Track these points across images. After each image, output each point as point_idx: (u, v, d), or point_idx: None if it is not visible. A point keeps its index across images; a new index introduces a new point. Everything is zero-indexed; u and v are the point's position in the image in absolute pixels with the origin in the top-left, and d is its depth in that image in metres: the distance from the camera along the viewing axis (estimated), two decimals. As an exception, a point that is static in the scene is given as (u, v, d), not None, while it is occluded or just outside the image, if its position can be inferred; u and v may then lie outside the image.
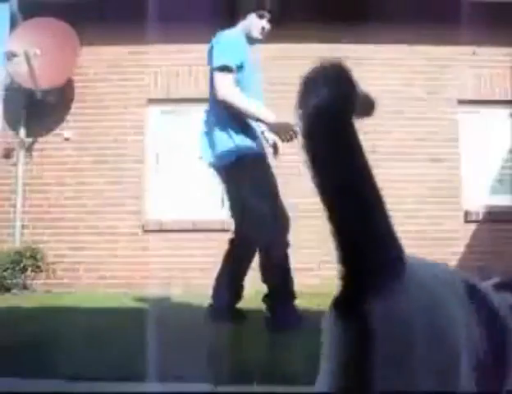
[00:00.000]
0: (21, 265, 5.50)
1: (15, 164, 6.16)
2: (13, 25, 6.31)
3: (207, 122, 3.20)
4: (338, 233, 0.97)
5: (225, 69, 3.00)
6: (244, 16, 3.23)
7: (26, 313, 3.84)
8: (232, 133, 3.06)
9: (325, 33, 6.10)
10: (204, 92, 6.26)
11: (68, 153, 6.21)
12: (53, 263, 5.71)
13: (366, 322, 0.83)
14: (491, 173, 6.32)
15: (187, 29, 5.99)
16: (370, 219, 0.93)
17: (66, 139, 6.23)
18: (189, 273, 5.95)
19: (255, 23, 3.20)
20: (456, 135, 6.32)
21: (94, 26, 5.95)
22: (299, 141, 1.00)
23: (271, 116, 3.10)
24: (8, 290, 5.41)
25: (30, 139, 6.21)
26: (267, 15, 3.20)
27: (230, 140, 3.06)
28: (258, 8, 3.18)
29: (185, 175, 6.28)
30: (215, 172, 3.21)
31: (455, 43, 6.23)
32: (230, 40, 3.10)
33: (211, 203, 6.26)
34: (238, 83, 3.04)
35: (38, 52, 6.05)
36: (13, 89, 6.21)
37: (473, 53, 6.36)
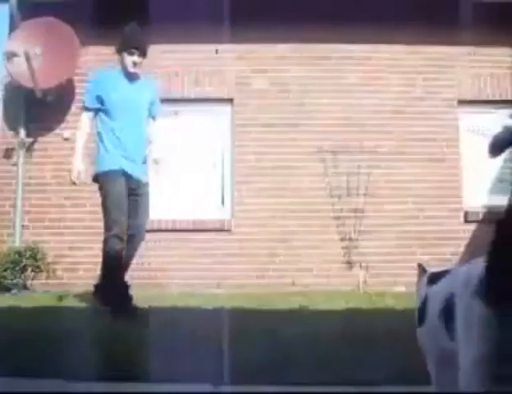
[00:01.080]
0: (21, 265, 5.50)
1: (15, 164, 6.15)
2: (13, 25, 6.31)
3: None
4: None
5: (84, 108, 3.99)
6: (118, 54, 3.97)
7: (26, 313, 3.84)
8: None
9: (325, 33, 6.09)
10: (204, 92, 6.30)
11: (68, 153, 6.19)
12: (53, 263, 5.71)
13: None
14: (491, 173, 6.32)
15: (187, 30, 5.99)
16: None
17: (66, 139, 6.22)
18: (189, 273, 5.95)
19: (127, 59, 3.92)
20: (456, 135, 6.32)
21: (94, 26, 5.95)
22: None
23: (77, 162, 3.97)
24: (8, 290, 5.41)
25: (30, 139, 6.21)
26: (136, 51, 3.92)
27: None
28: (126, 48, 3.92)
29: (184, 175, 6.28)
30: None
31: (455, 43, 6.23)
32: (96, 81, 4.00)
33: (211, 203, 6.27)
34: (104, 113, 3.89)
35: (38, 52, 6.05)
36: (13, 89, 6.21)
37: (473, 53, 6.37)
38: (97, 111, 3.93)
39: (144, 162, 4.06)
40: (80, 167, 3.94)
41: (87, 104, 3.97)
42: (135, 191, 3.94)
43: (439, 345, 1.46)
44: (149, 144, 4.09)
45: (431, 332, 1.49)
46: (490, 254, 1.24)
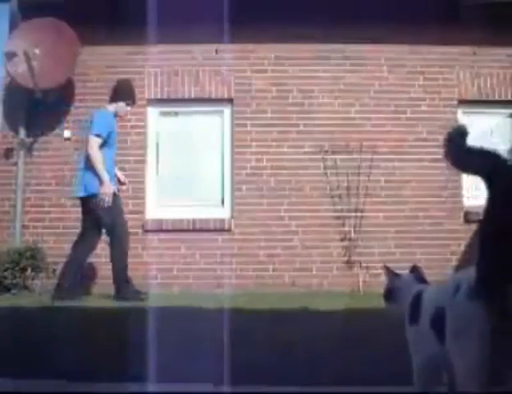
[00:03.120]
0: (21, 265, 5.49)
1: (15, 164, 6.15)
2: (13, 25, 6.30)
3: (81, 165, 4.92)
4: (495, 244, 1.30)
5: (97, 135, 4.72)
6: (115, 101, 4.98)
7: (26, 313, 3.84)
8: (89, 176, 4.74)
9: (325, 33, 6.10)
10: (204, 92, 6.30)
11: (68, 153, 6.21)
12: (53, 263, 5.70)
13: (504, 301, 1.23)
14: (491, 173, 6.31)
15: (187, 29, 5.99)
16: None
17: (66, 139, 6.22)
18: (189, 273, 5.95)
19: (122, 108, 5.01)
20: (456, 135, 6.31)
21: (94, 26, 5.95)
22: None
23: (107, 180, 4.65)
24: (8, 290, 5.41)
25: (30, 139, 6.20)
26: (132, 103, 5.09)
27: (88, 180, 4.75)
28: (127, 100, 5.00)
29: (184, 175, 6.28)
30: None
31: (455, 43, 6.23)
32: (106, 118, 4.87)
33: (211, 203, 6.27)
34: (105, 143, 4.74)
35: (38, 52, 6.04)
36: (13, 89, 6.21)
37: (473, 53, 6.37)
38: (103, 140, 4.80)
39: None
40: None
41: (100, 132, 4.80)
42: (121, 205, 5.01)
43: (428, 347, 1.50)
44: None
45: (421, 334, 1.53)
46: (480, 256, 1.34)
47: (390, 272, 1.82)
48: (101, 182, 4.64)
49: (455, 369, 1.34)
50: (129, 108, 5.04)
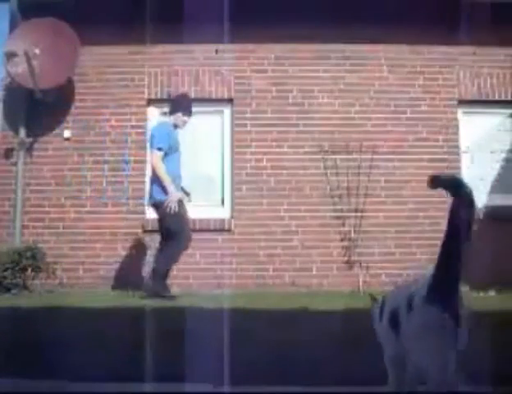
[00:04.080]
0: (21, 265, 5.49)
1: (15, 164, 6.15)
2: (13, 25, 6.31)
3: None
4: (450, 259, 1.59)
5: (159, 149, 5.01)
6: (174, 113, 5.25)
7: (26, 313, 3.84)
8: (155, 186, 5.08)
9: (325, 33, 6.10)
10: (204, 92, 6.30)
11: (68, 153, 6.21)
12: (53, 263, 5.71)
13: (457, 308, 1.45)
14: (490, 173, 6.32)
15: (187, 30, 5.99)
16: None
17: (66, 139, 6.23)
18: (189, 273, 5.95)
19: (181, 119, 5.26)
20: (456, 135, 6.32)
21: (94, 26, 5.95)
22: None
23: (173, 190, 4.95)
24: (8, 290, 5.41)
25: (30, 139, 6.20)
26: (189, 114, 5.29)
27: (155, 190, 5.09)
28: (180, 112, 5.23)
29: (185, 175, 6.27)
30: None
31: (455, 43, 6.22)
32: (164, 130, 5.15)
33: (211, 203, 6.27)
34: (166, 156, 5.04)
35: (38, 52, 6.04)
36: (13, 89, 6.21)
37: (474, 53, 6.37)
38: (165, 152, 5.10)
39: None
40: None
41: (162, 146, 5.07)
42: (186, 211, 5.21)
43: (391, 345, 1.64)
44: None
45: (385, 333, 1.66)
46: (437, 265, 1.55)
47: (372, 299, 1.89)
48: (166, 191, 4.94)
49: (422, 367, 1.46)
50: (186, 119, 5.27)
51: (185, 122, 5.30)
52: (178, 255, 5.03)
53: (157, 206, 5.07)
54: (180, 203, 5.02)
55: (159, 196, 5.00)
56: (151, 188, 5.14)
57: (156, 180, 5.06)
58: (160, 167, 5.00)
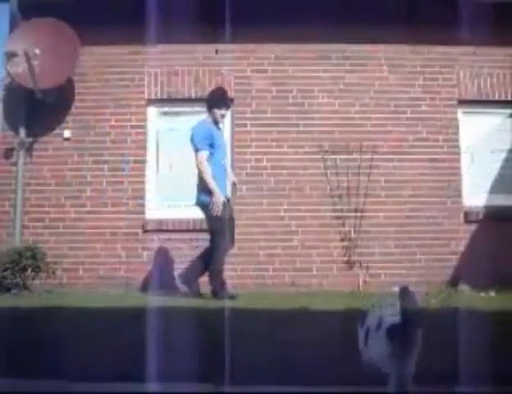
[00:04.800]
0: (21, 265, 5.49)
1: (15, 164, 6.15)
2: (13, 25, 6.30)
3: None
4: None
5: (200, 150, 5.04)
6: (210, 110, 5.22)
7: (26, 313, 3.84)
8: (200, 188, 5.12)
9: (325, 33, 6.10)
10: (204, 92, 6.30)
11: (68, 153, 6.21)
12: (53, 263, 5.71)
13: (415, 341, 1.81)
14: (491, 173, 6.32)
15: (187, 29, 5.98)
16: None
17: (66, 139, 6.22)
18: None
19: (218, 113, 5.20)
20: (456, 135, 6.32)
21: (94, 26, 5.94)
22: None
23: (217, 193, 4.95)
24: (8, 290, 5.41)
25: (30, 139, 6.20)
26: (225, 107, 5.26)
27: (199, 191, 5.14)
28: (215, 107, 5.19)
29: (184, 175, 6.27)
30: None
31: (455, 43, 6.22)
32: (203, 130, 5.13)
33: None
34: (210, 155, 5.05)
35: (38, 52, 6.04)
36: (13, 89, 6.21)
37: (474, 53, 6.36)
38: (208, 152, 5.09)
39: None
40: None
41: (203, 146, 5.08)
42: (229, 210, 5.16)
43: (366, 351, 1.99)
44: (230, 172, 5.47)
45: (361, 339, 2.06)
46: (402, 313, 1.79)
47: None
48: (211, 193, 4.96)
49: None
50: (223, 112, 5.23)
51: (222, 116, 5.26)
52: (220, 257, 5.01)
53: (202, 207, 5.11)
54: (225, 204, 5.02)
55: (204, 198, 5.04)
56: (197, 188, 5.16)
57: (201, 181, 5.09)
58: (204, 169, 5.01)
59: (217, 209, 4.93)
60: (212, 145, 5.07)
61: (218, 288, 4.91)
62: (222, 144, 5.29)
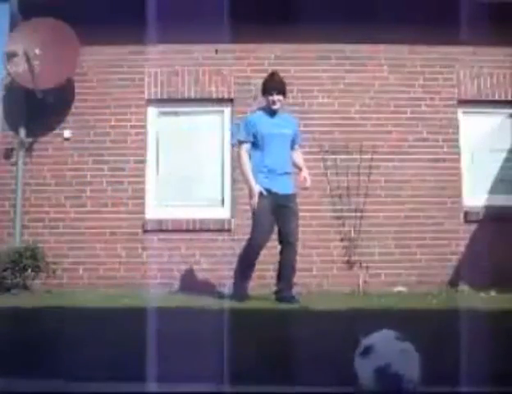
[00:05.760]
0: (21, 265, 5.49)
1: (15, 164, 6.15)
2: (13, 25, 6.30)
3: None
4: None
5: (240, 142, 4.88)
6: (262, 97, 4.98)
7: (26, 313, 3.84)
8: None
9: (325, 33, 6.10)
10: (204, 92, 6.30)
11: (68, 153, 6.21)
12: (53, 263, 5.71)
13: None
14: (491, 173, 6.32)
15: (187, 29, 5.99)
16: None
17: (66, 139, 6.23)
18: (189, 273, 5.95)
19: (269, 100, 4.88)
20: (456, 135, 6.32)
21: (94, 26, 5.95)
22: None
23: (252, 185, 4.73)
24: (8, 290, 5.41)
25: (30, 139, 6.20)
26: (276, 92, 4.85)
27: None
28: (266, 93, 4.91)
29: (185, 175, 6.28)
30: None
31: (455, 43, 6.22)
32: (249, 120, 4.91)
33: (211, 203, 6.27)
34: (253, 145, 4.80)
35: (38, 52, 6.05)
36: (13, 89, 6.21)
37: (474, 53, 6.36)
38: (251, 143, 4.84)
39: (289, 179, 4.93)
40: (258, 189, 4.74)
41: (244, 138, 4.87)
42: (284, 204, 4.78)
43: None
44: (301, 170, 4.99)
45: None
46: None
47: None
48: (247, 186, 4.83)
49: None
50: (275, 98, 4.85)
51: (274, 102, 4.85)
52: (250, 251, 4.86)
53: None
54: (263, 198, 4.71)
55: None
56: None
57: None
58: (242, 161, 4.83)
59: (253, 202, 4.70)
60: (255, 137, 4.79)
61: (235, 289, 4.84)
62: (277, 135, 4.85)
